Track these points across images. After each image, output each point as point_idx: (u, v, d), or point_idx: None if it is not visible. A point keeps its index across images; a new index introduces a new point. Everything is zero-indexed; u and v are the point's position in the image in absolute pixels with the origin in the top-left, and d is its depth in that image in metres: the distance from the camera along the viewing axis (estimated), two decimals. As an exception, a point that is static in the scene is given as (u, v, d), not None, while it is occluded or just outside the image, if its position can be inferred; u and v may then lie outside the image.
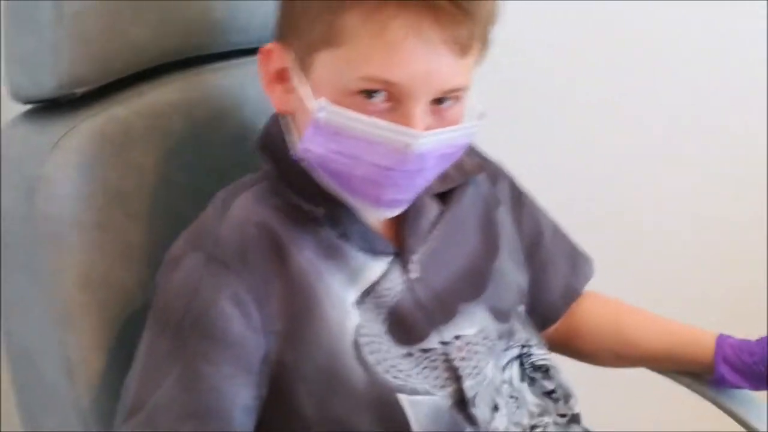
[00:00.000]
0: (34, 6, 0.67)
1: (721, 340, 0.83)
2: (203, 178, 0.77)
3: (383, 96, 0.61)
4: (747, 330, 0.91)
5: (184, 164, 0.77)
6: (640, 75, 1.36)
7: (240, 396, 0.62)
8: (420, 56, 0.60)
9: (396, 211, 0.67)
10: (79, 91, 0.70)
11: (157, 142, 0.75)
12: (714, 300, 1.44)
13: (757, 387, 0.82)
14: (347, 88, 0.61)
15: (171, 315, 0.63)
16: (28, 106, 0.76)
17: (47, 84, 0.69)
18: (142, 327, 0.65)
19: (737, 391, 0.86)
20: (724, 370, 0.81)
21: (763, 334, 0.87)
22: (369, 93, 0.61)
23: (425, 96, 0.61)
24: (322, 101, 0.60)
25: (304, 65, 0.64)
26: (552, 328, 0.88)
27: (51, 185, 0.67)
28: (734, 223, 1.45)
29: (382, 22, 0.59)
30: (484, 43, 0.64)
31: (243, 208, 0.67)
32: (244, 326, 0.63)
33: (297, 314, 0.65)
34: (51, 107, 0.73)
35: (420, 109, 0.61)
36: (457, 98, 0.64)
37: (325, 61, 0.62)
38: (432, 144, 0.62)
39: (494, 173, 0.82)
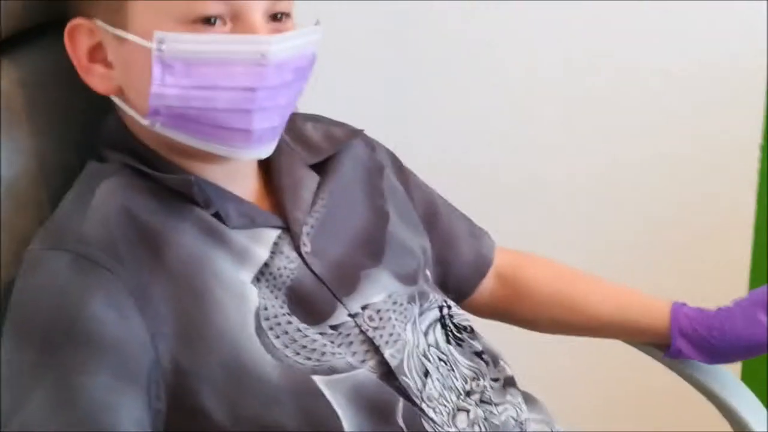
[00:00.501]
0: None
1: (677, 309, 0.83)
2: (76, 154, 0.72)
3: (219, 22, 0.61)
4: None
5: (75, 141, 0.73)
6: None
7: (126, 409, 0.58)
8: None
9: (269, 146, 0.66)
10: None
11: (42, 117, 0.70)
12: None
13: (712, 361, 0.83)
14: (179, 19, 0.61)
15: (35, 324, 0.60)
16: None
17: None
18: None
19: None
20: (681, 344, 0.82)
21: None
22: (206, 21, 0.61)
23: (260, 5, 0.62)
24: (160, 33, 0.59)
25: (119, 23, 0.62)
26: (488, 293, 0.89)
27: None
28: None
29: None
30: None
31: (106, 199, 0.64)
32: (122, 330, 0.59)
33: (187, 309, 0.62)
34: None
35: (260, 19, 0.62)
36: (287, 14, 0.65)
37: (142, 5, 0.62)
38: (286, 51, 0.63)
39: (368, 140, 0.84)
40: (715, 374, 0.86)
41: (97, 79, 0.65)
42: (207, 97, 0.62)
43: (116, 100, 0.66)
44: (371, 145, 0.84)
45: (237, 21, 0.61)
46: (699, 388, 0.89)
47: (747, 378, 1.38)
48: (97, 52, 0.65)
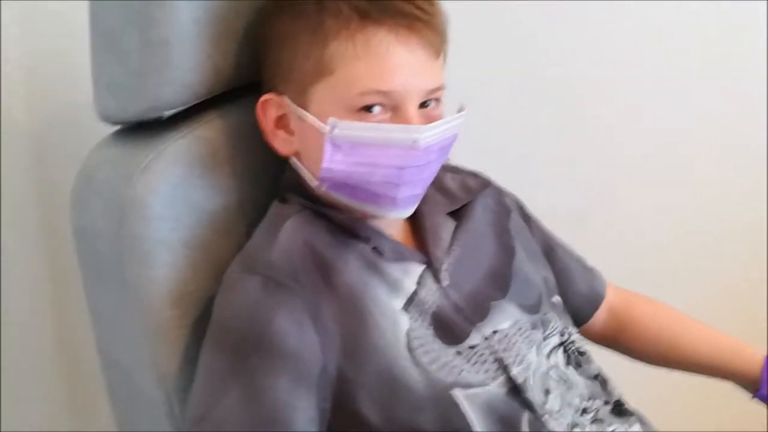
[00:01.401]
0: (121, 33, 0.71)
1: None
2: (266, 193, 0.81)
3: (380, 108, 0.69)
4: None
5: (257, 179, 0.81)
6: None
7: (302, 407, 0.66)
8: (404, 62, 0.69)
9: (410, 209, 0.76)
10: (166, 113, 0.73)
11: (241, 161, 0.78)
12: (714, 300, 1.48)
13: None
14: (348, 107, 0.69)
15: (231, 334, 0.69)
16: (115, 128, 0.79)
17: (134, 107, 0.73)
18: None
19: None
20: None
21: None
22: (368, 108, 0.69)
23: (416, 98, 0.70)
24: (333, 120, 0.68)
25: (302, 103, 0.72)
26: (600, 324, 0.98)
27: (141, 207, 0.70)
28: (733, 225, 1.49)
29: (365, 40, 0.68)
30: (446, 45, 0.74)
31: (290, 234, 0.73)
32: (300, 341, 0.67)
33: (351, 326, 0.70)
34: (138, 129, 0.76)
35: (414, 111, 0.70)
36: (437, 99, 0.73)
37: (321, 92, 0.71)
38: (434, 136, 0.71)
39: (497, 188, 0.92)
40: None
41: (279, 143, 0.75)
42: (366, 172, 0.71)
43: (293, 160, 0.76)
44: (500, 191, 0.91)
45: (396, 111, 0.70)
46: None
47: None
48: (281, 121, 0.75)
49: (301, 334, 0.67)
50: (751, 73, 1.43)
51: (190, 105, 0.76)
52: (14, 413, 1.05)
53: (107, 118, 0.77)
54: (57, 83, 1.06)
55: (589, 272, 0.97)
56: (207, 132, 0.77)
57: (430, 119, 0.72)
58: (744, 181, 1.47)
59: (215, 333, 0.69)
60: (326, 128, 0.69)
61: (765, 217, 1.49)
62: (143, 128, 0.75)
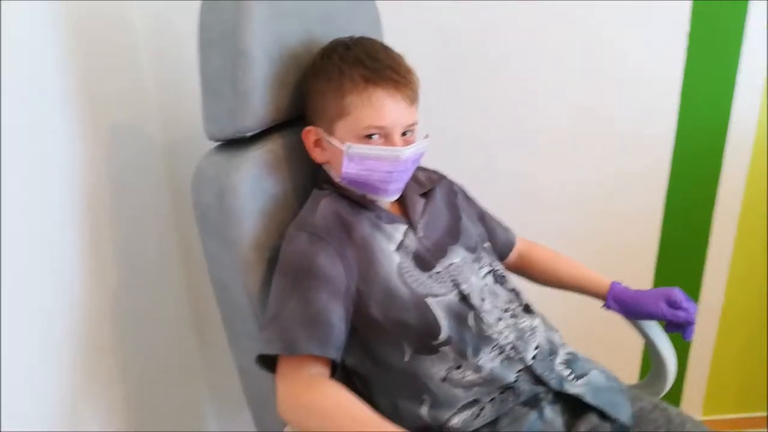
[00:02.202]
0: (220, 83, 0.83)
1: (614, 285, 1.04)
2: (308, 183, 0.94)
3: (377, 137, 0.85)
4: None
5: (304, 174, 0.94)
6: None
7: (336, 311, 0.80)
8: (392, 109, 0.85)
9: (396, 195, 0.91)
10: (248, 134, 0.86)
11: (292, 164, 0.92)
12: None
13: (627, 317, 1.04)
14: (358, 136, 0.85)
15: (290, 267, 0.82)
16: (218, 143, 0.92)
17: (228, 131, 0.87)
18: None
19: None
20: (612, 304, 1.02)
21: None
22: (370, 136, 0.85)
23: (399, 130, 0.86)
24: (348, 143, 0.85)
25: (330, 132, 0.88)
26: (512, 261, 1.15)
27: (234, 191, 0.83)
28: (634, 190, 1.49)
29: (369, 95, 0.84)
30: (418, 96, 0.89)
31: (325, 206, 0.89)
32: (333, 271, 0.81)
33: (364, 262, 0.85)
34: (231, 144, 0.89)
35: (398, 138, 0.86)
36: (412, 130, 0.89)
37: (341, 127, 0.86)
38: (410, 153, 0.87)
39: (449, 180, 1.07)
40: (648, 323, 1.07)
41: (317, 155, 0.91)
42: (368, 175, 0.87)
43: (326, 166, 0.93)
44: (450, 182, 1.06)
45: (387, 138, 0.86)
46: (635, 326, 1.08)
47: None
48: (318, 142, 0.90)
49: (333, 267, 0.81)
50: (666, 34, 1.37)
51: (262, 129, 0.88)
52: (151, 319, 1.16)
53: (211, 137, 0.89)
54: (180, 110, 1.18)
55: (506, 230, 1.13)
56: (272, 146, 0.89)
57: (408, 143, 0.88)
58: (646, 156, 1.45)
59: (280, 267, 0.83)
60: (344, 148, 0.85)
61: (664, 191, 1.50)
62: (234, 143, 0.88)
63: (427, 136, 0.91)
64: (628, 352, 1.65)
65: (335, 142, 0.87)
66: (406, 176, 0.91)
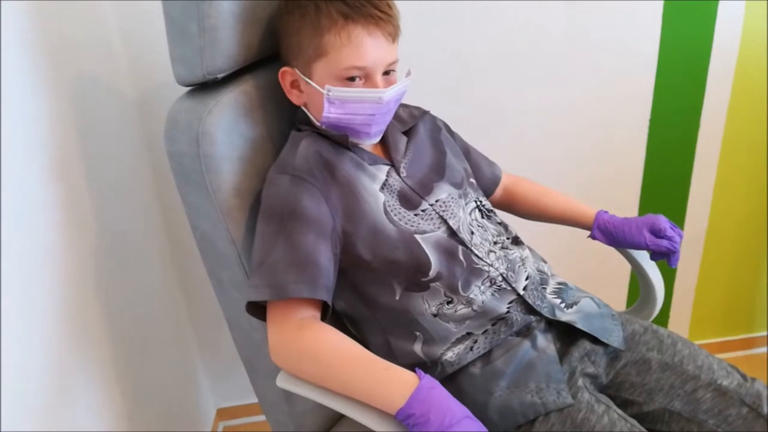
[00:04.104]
0: (185, 23, 0.81)
1: (599, 214, 1.04)
2: (286, 126, 0.92)
3: (359, 79, 0.83)
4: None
5: (280, 115, 0.93)
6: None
7: (323, 252, 0.79)
8: (374, 47, 0.82)
9: (378, 138, 0.91)
10: (219, 76, 0.85)
11: (268, 106, 0.90)
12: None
13: (612, 245, 1.04)
14: (337, 78, 0.83)
15: (273, 211, 0.81)
16: (188, 88, 0.90)
17: (198, 74, 0.84)
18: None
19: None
20: (597, 234, 1.02)
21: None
22: (351, 78, 0.83)
23: (380, 69, 0.84)
24: (328, 86, 0.82)
25: (307, 73, 0.85)
26: (498, 196, 1.14)
27: (209, 136, 0.82)
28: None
29: (348, 33, 0.81)
30: (399, 33, 0.86)
31: (306, 147, 0.87)
32: (318, 212, 0.81)
33: (349, 202, 0.85)
34: (202, 87, 0.88)
35: (380, 78, 0.84)
36: (393, 70, 0.86)
37: (320, 68, 0.83)
38: (392, 94, 0.85)
39: (431, 115, 1.05)
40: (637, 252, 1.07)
41: (294, 97, 0.89)
42: (350, 119, 0.86)
43: (303, 107, 0.90)
44: (433, 117, 1.05)
45: (367, 79, 0.84)
46: (622, 253, 1.09)
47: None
48: (294, 83, 0.88)
49: (318, 208, 0.81)
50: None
51: (233, 70, 0.86)
52: (137, 268, 1.16)
53: (181, 82, 0.87)
54: (148, 63, 1.17)
55: (491, 164, 1.12)
56: (246, 88, 0.88)
57: (389, 83, 0.86)
58: (631, 86, 1.45)
59: (264, 212, 0.82)
60: (324, 92, 0.83)
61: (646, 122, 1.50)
62: (205, 87, 0.87)
63: (409, 74, 0.89)
64: (615, 283, 1.67)
65: (314, 85, 0.84)
66: (389, 117, 0.90)
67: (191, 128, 0.82)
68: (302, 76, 0.85)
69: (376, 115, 0.86)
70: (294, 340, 0.75)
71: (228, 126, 0.83)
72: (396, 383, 0.70)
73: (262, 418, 1.60)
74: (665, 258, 1.01)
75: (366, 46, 0.81)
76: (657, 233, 1.00)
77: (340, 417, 0.98)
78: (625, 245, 1.03)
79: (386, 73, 0.86)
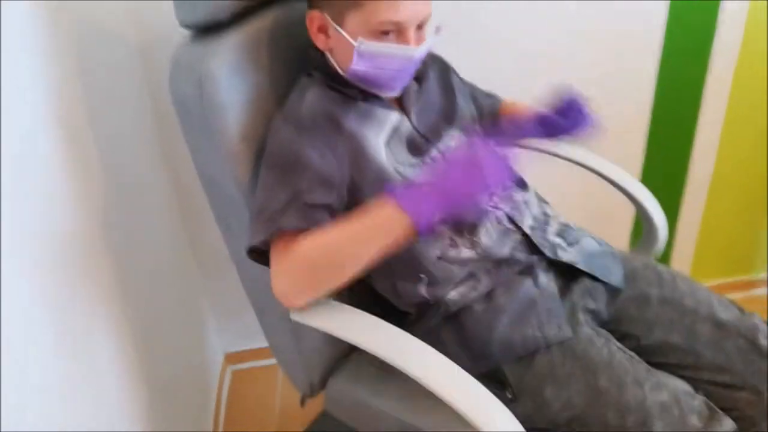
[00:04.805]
0: None
1: (538, 112, 1.02)
2: (294, 70, 0.92)
3: (391, 33, 0.82)
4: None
5: (287, 59, 0.92)
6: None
7: (322, 200, 0.80)
8: (411, 2, 0.81)
9: (399, 91, 0.91)
10: (224, 17, 0.84)
11: (275, 49, 0.90)
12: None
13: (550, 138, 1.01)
14: (371, 30, 0.81)
15: (277, 159, 0.81)
16: (193, 32, 0.90)
17: (201, 12, 0.84)
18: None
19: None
20: (535, 131, 1.00)
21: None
22: (384, 32, 0.82)
23: (415, 24, 0.82)
24: (361, 39, 0.81)
25: (338, 21, 0.83)
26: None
27: (213, 78, 0.81)
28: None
29: None
30: None
31: (313, 97, 0.87)
32: (321, 161, 0.81)
33: (355, 153, 0.85)
34: (206, 32, 0.87)
35: (413, 33, 0.83)
36: (426, 23, 0.85)
37: (352, 17, 0.82)
38: (421, 52, 0.85)
39: (441, 59, 1.04)
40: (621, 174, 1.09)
41: (320, 42, 0.87)
42: (378, 73, 0.85)
43: (327, 53, 0.88)
44: (442, 60, 1.04)
45: (400, 33, 0.83)
46: (624, 193, 1.09)
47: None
48: (322, 28, 0.86)
49: (323, 157, 0.81)
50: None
51: (237, 12, 0.86)
52: (142, 215, 1.17)
53: (184, 24, 0.87)
54: (150, 6, 1.15)
55: (492, 98, 1.12)
56: (251, 30, 0.87)
57: (420, 38, 0.85)
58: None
59: (268, 159, 0.83)
60: (356, 44, 0.82)
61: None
62: (209, 31, 0.86)
63: (438, 30, 0.88)
64: (619, 223, 1.68)
65: (345, 35, 0.83)
66: (413, 71, 0.89)
67: (194, 71, 0.82)
68: (333, 23, 0.84)
69: (403, 71, 0.86)
70: (295, 262, 0.76)
71: (232, 69, 0.83)
72: (386, 219, 0.74)
73: (270, 361, 1.64)
74: (573, 132, 1.00)
75: (404, 1, 0.80)
76: (566, 112, 0.98)
77: (347, 355, 1.01)
78: (555, 135, 1.01)
79: (419, 27, 0.85)
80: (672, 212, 1.68)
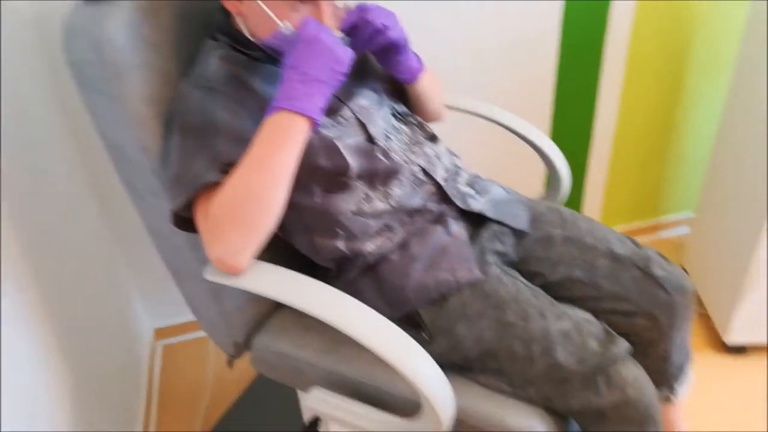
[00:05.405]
0: None
1: None
2: (200, 28, 0.90)
3: (307, 3, 0.80)
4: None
5: (191, 19, 0.90)
6: None
7: (241, 156, 0.77)
8: None
9: None
10: None
11: (173, 11, 0.87)
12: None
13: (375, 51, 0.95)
14: (288, 3, 0.79)
15: (190, 125, 0.80)
16: None
17: None
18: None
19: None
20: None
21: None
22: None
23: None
24: (287, 24, 0.80)
25: None
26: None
27: (111, 42, 0.79)
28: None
29: None
30: None
31: (220, 60, 0.86)
32: (234, 121, 0.81)
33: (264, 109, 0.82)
34: None
35: (326, 7, 0.82)
36: None
37: None
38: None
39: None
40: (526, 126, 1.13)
41: (231, 6, 0.84)
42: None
43: (237, 17, 0.85)
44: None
45: (315, 5, 0.81)
46: (528, 143, 1.14)
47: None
48: None
49: (235, 116, 0.81)
50: None
51: None
52: (45, 177, 1.14)
53: None
54: None
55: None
56: None
57: (336, 14, 0.84)
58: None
59: (180, 126, 0.80)
60: (282, 27, 0.80)
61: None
62: None
63: (347, 7, 0.87)
64: (532, 176, 1.75)
65: (271, 14, 0.80)
66: None
67: (91, 35, 0.80)
68: None
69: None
70: (214, 217, 0.74)
71: (131, 31, 0.81)
72: (280, 129, 0.75)
73: (201, 334, 1.65)
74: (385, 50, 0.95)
75: None
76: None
77: (270, 313, 1.03)
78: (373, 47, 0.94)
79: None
80: (581, 164, 1.77)
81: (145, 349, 1.65)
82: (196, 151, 0.79)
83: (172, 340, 1.72)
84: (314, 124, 0.77)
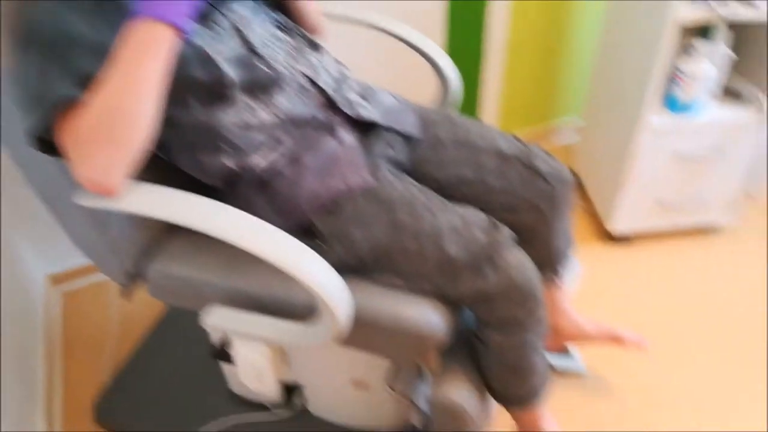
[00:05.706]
0: None
1: None
2: None
3: None
4: None
5: None
6: None
7: (100, 69, 0.73)
8: None
9: None
10: None
11: None
12: None
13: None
14: None
15: (44, 40, 0.74)
16: None
17: None
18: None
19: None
20: None
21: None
22: None
23: None
24: None
25: None
26: None
27: None
28: None
29: None
30: None
31: None
32: (93, 31, 0.76)
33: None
34: None
35: None
36: None
37: None
38: None
39: None
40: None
41: None
42: None
43: None
44: None
45: None
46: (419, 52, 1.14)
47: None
48: None
49: (93, 27, 0.76)
50: None
51: None
52: None
53: None
54: None
55: None
56: None
57: None
58: None
59: (33, 42, 0.75)
60: None
61: None
62: None
63: None
64: (423, 86, 1.74)
65: None
66: None
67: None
68: None
69: None
70: (80, 134, 0.70)
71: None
72: (145, 38, 0.71)
73: (103, 277, 1.59)
74: None
75: None
76: None
77: (160, 239, 0.99)
78: None
79: None
80: (475, 74, 1.80)
81: (40, 295, 1.58)
82: (52, 66, 0.73)
83: (73, 285, 1.65)
84: (181, 33, 0.73)
